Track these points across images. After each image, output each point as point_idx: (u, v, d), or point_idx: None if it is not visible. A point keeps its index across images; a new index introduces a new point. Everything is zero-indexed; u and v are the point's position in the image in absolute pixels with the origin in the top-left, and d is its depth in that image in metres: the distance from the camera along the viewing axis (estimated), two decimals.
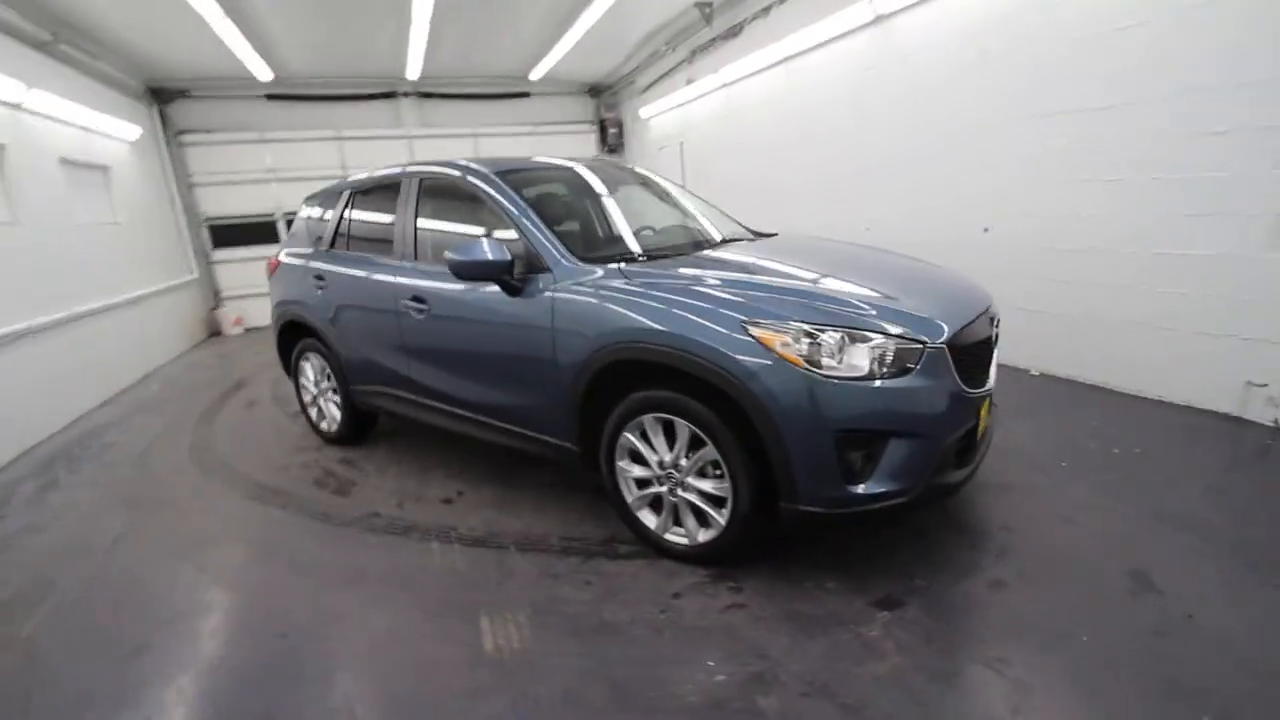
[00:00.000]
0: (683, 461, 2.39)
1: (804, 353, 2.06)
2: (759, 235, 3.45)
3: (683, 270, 2.55)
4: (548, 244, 2.73)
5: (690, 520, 2.45)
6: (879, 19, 5.19)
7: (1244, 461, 3.05)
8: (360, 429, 4.09)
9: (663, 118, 9.32)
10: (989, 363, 2.48)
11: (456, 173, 3.18)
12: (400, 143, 9.68)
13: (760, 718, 1.75)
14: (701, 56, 7.97)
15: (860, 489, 2.10)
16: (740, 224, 3.65)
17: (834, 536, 2.60)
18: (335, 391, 3.99)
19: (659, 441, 2.44)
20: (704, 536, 2.43)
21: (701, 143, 8.45)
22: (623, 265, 2.61)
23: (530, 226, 2.78)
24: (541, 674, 1.99)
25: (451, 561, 2.69)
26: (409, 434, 4.25)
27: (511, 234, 2.83)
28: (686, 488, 2.41)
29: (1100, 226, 3.87)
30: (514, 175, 3.08)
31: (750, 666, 1.94)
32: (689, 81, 8.29)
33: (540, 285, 2.67)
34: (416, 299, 3.17)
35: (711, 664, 1.97)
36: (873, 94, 5.44)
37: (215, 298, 9.12)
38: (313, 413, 4.29)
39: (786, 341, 2.07)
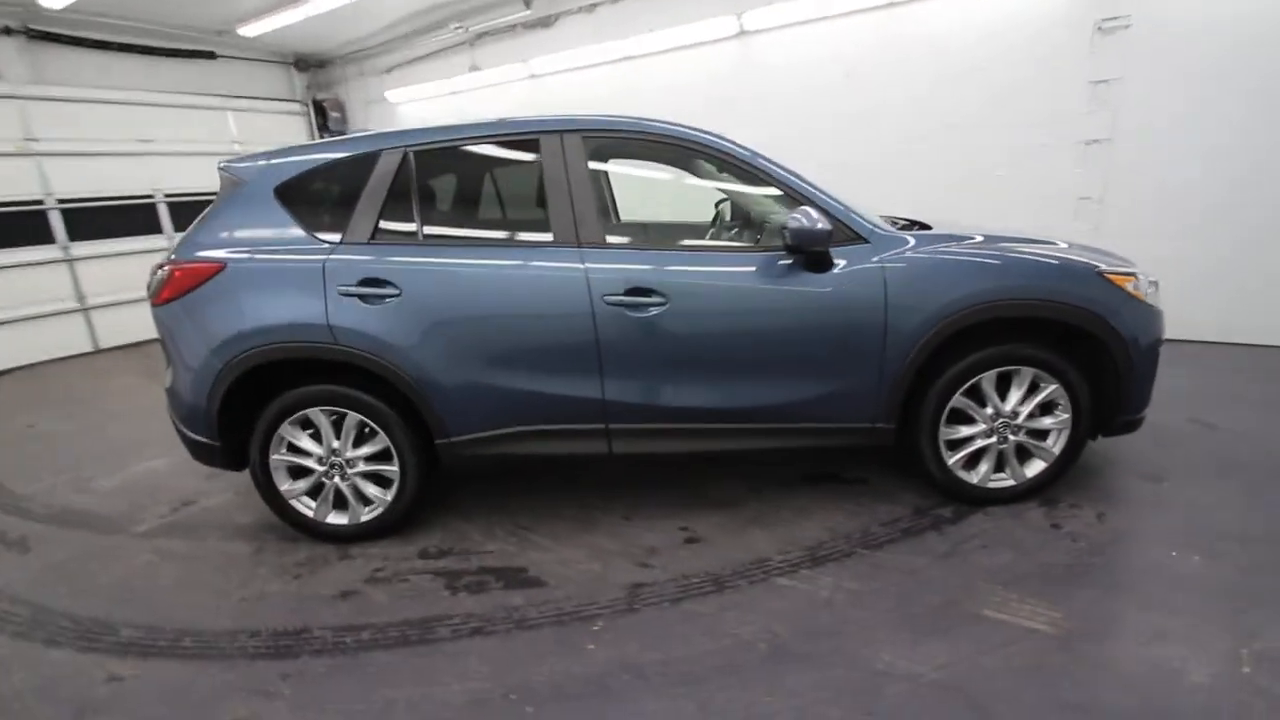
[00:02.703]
0: (1021, 408, 2.59)
1: (1138, 289, 2.54)
2: None
3: (975, 237, 2.69)
4: (856, 214, 2.51)
5: (1014, 462, 2.67)
6: (743, 34, 5.85)
7: None
8: (418, 504, 2.77)
9: (424, 105, 8.19)
10: None
11: (677, 133, 2.55)
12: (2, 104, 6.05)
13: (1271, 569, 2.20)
14: (491, 42, 7.37)
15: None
16: None
17: None
18: (387, 457, 2.61)
19: (993, 396, 2.57)
20: (1031, 472, 2.67)
21: None
22: (925, 232, 2.61)
23: (830, 197, 2.49)
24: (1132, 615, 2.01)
25: (840, 583, 2.27)
26: (448, 492, 3.08)
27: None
28: (1018, 431, 2.62)
29: (956, 214, 5.35)
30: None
31: (1198, 542, 2.35)
32: (473, 69, 7.56)
33: (858, 257, 2.45)
34: (637, 292, 2.42)
35: (1174, 554, 2.31)
36: (736, 99, 6.08)
37: None
38: (304, 505, 2.69)
39: (1134, 282, 2.52)
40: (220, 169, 2.68)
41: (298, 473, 2.69)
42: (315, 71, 8.81)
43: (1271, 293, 4.39)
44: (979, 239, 2.62)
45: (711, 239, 3.27)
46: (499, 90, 7.50)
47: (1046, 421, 2.61)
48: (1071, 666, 1.85)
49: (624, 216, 3.98)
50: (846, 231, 2.47)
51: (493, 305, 2.47)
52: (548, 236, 2.50)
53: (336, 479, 2.66)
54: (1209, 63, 4.23)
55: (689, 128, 2.58)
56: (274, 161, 2.62)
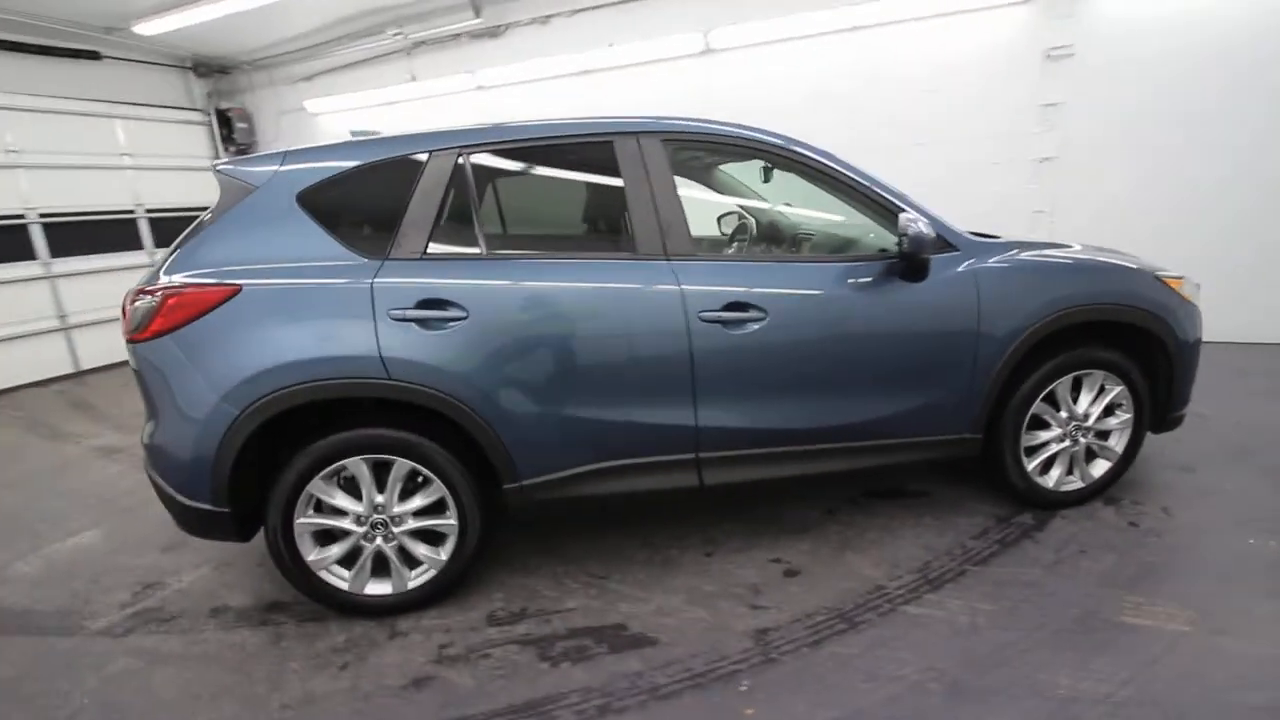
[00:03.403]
0: (1091, 410, 2.63)
1: (1186, 291, 2.67)
2: None
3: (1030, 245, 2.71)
4: (944, 222, 2.45)
5: (1082, 464, 2.71)
6: (709, 51, 5.84)
7: None
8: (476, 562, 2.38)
9: (351, 116, 7.52)
10: None
11: (759, 139, 2.42)
12: None
13: None
14: (432, 51, 6.91)
15: None
16: None
17: None
18: (440, 509, 2.22)
19: (1068, 400, 2.60)
20: (1097, 472, 2.72)
21: None
22: (999, 240, 2.61)
23: (921, 206, 2.42)
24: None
25: (971, 605, 2.15)
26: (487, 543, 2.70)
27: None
28: (1088, 433, 2.66)
29: None
30: None
31: (1264, 526, 2.46)
32: (411, 78, 7.06)
33: (950, 265, 2.39)
34: (735, 307, 2.22)
35: (1252, 541, 2.40)
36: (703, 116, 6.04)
37: None
38: (335, 576, 2.23)
39: (1184, 285, 2.64)
40: (219, 172, 2.20)
41: (325, 537, 2.24)
42: (218, 78, 7.86)
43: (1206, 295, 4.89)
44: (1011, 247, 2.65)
45: (737, 252, 3.15)
46: (442, 101, 7.04)
47: (1111, 422, 2.67)
48: (1240, 666, 1.83)
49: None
50: (939, 240, 2.42)
51: (576, 326, 2.17)
52: (629, 249, 2.25)
53: (379, 540, 2.23)
54: (1143, 88, 4.69)
55: (775, 133, 2.44)
56: (294, 165, 2.17)
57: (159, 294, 2.03)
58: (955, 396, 2.47)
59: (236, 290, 2.02)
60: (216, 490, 2.08)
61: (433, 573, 2.29)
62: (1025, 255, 2.53)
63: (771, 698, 1.83)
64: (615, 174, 2.27)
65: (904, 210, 2.31)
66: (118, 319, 2.24)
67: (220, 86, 7.95)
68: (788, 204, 3.60)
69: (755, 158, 2.58)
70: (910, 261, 2.24)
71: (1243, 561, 2.31)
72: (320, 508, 2.19)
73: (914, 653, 1.97)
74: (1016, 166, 5.20)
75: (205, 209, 2.23)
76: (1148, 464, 3.08)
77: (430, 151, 2.20)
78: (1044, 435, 2.63)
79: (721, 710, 1.80)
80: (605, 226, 2.44)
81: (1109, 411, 2.66)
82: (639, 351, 2.22)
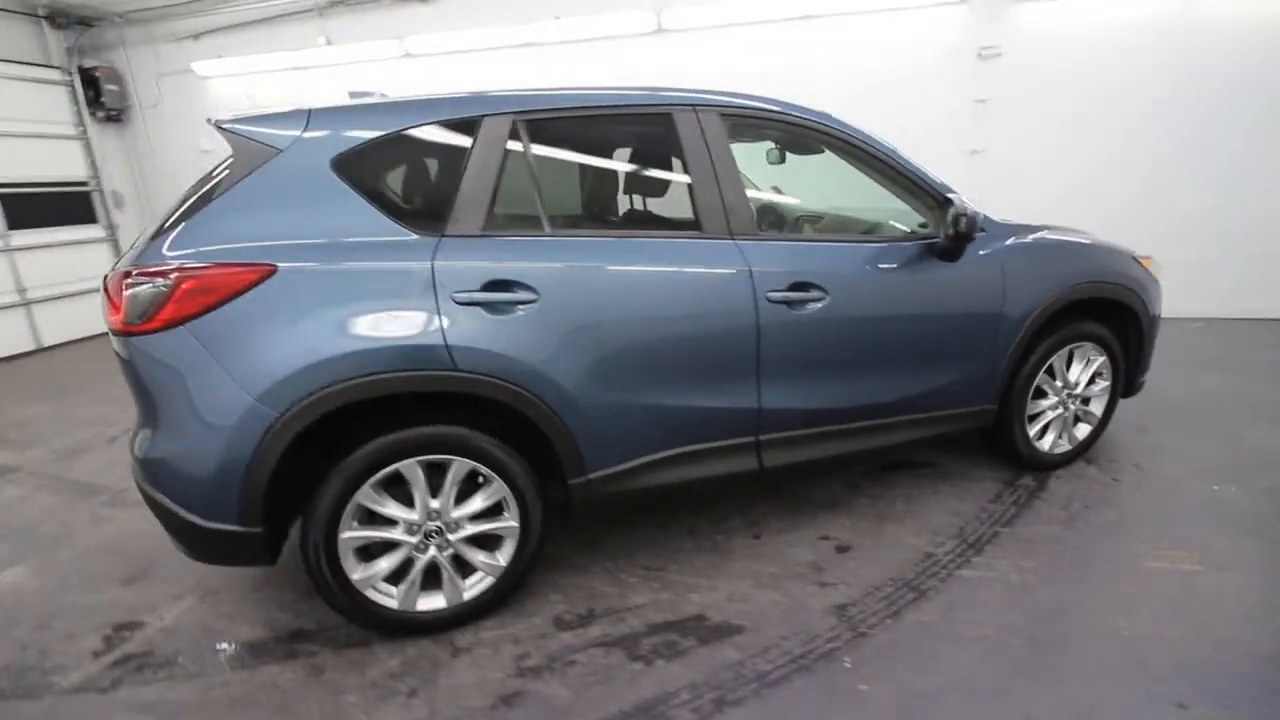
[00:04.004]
0: (1083, 377, 2.89)
1: (1153, 269, 2.99)
2: None
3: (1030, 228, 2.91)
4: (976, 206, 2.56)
5: (1070, 428, 2.97)
6: (661, 31, 5.75)
7: None
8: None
9: (250, 80, 6.68)
10: None
11: (810, 119, 2.42)
12: None
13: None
14: (350, 12, 6.29)
15: None
16: None
17: None
18: (496, 511, 2.04)
19: (1063, 370, 2.84)
20: (1081, 434, 3.01)
21: None
22: (1015, 223, 2.77)
23: (958, 192, 2.51)
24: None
25: (1016, 564, 2.30)
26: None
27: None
28: (1075, 400, 2.92)
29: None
30: None
31: (1222, 475, 2.82)
32: (327, 42, 6.39)
33: (977, 245, 2.52)
34: (799, 287, 2.21)
35: (1216, 488, 2.75)
36: None
37: None
38: (382, 594, 1.98)
39: (1153, 265, 2.95)
40: (226, 129, 1.85)
41: (364, 552, 1.99)
42: (80, 30, 6.68)
43: None
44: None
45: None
46: (364, 68, 6.42)
47: (1094, 389, 2.96)
48: (1250, 596, 2.10)
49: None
50: None
51: (649, 308, 2.06)
52: (694, 227, 2.17)
53: (432, 550, 2.01)
54: (1061, 86, 5.20)
55: (835, 118, 2.45)
56: (324, 128, 1.87)
57: (171, 275, 1.68)
58: (984, 369, 2.62)
59: (271, 271, 1.72)
60: (247, 507, 1.78)
61: (490, 580, 2.10)
62: (1032, 237, 2.72)
63: (876, 671, 1.86)
64: (676, 148, 2.18)
65: (954, 193, 2.40)
66: None
67: (84, 42, 6.76)
68: (776, 188, 3.66)
69: (808, 140, 2.57)
70: (959, 242, 2.34)
71: (1216, 507, 2.64)
72: (365, 518, 1.94)
73: (985, 613, 2.08)
74: (952, 158, 5.58)
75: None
76: (1109, 426, 3.45)
77: (483, 116, 1.98)
78: (1043, 404, 2.87)
79: (836, 690, 1.81)
80: (667, 203, 2.33)
81: (1091, 380, 2.94)
82: (709, 333, 2.15)
